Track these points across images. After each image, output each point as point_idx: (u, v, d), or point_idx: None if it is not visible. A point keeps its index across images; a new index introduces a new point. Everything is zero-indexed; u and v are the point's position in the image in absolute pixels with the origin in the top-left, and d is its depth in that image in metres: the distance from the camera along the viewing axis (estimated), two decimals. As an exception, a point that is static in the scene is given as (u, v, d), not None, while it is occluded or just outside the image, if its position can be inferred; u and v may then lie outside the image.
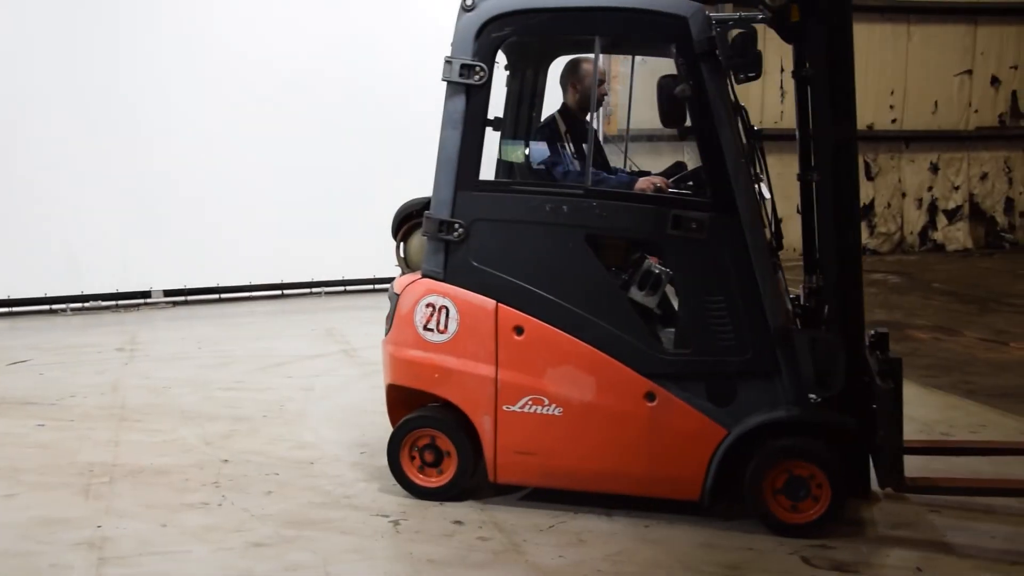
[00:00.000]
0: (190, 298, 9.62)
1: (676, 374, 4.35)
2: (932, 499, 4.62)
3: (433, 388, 4.60)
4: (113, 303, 9.38)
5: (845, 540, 4.26)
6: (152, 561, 4.07)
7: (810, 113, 4.45)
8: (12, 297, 9.06)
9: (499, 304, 4.45)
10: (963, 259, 12.91)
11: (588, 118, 4.97)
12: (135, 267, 9.31)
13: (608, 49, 5.26)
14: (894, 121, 13.03)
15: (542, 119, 5.14)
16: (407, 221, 4.95)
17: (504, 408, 4.46)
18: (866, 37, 12.31)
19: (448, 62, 4.47)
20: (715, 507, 4.43)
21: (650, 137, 7.67)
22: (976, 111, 13.28)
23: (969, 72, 13.17)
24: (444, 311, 4.51)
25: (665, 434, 4.35)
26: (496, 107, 4.82)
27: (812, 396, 4.27)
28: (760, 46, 4.20)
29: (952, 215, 13.47)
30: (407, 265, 4.98)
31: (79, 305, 9.26)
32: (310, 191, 9.60)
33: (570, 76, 5.04)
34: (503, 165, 5.06)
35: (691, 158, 4.84)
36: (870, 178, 12.97)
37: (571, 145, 4.91)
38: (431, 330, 4.54)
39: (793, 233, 4.68)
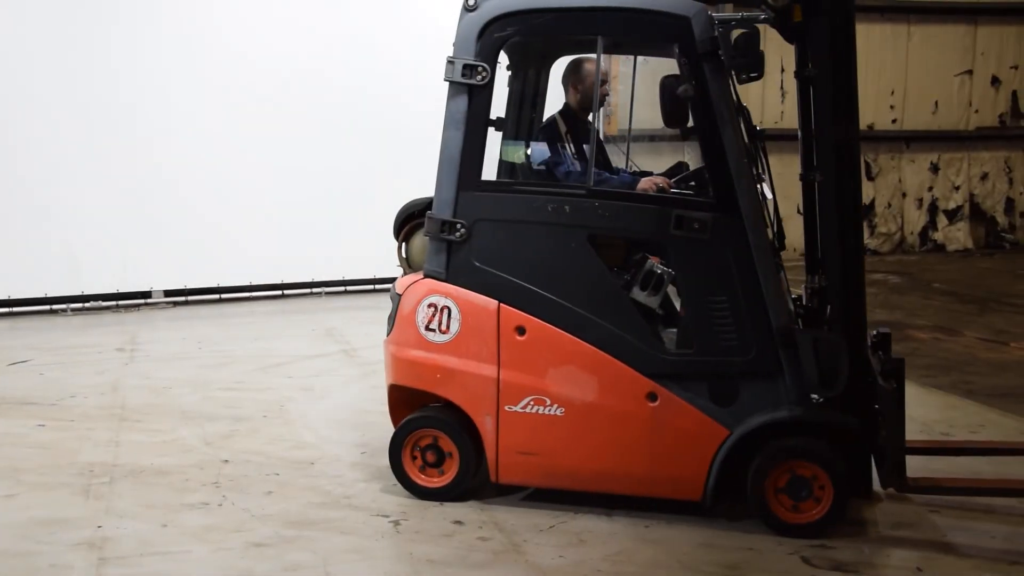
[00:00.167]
0: (190, 298, 9.61)
1: (678, 374, 4.35)
2: (933, 499, 4.62)
3: (435, 388, 4.60)
4: (113, 303, 9.38)
5: (846, 540, 4.25)
6: (152, 561, 4.06)
7: (812, 113, 4.44)
8: (12, 297, 9.05)
9: (501, 304, 4.45)
10: (963, 259, 12.92)
11: (590, 118, 4.97)
12: (135, 267, 9.30)
13: (610, 49, 5.25)
14: (894, 121, 13.03)
15: (544, 119, 5.14)
16: (409, 221, 4.95)
17: (506, 408, 4.46)
18: (866, 37, 12.26)
19: (450, 62, 4.46)
20: (716, 507, 4.42)
21: (652, 137, 7.67)
22: (976, 111, 13.29)
23: (969, 72, 13.18)
24: (446, 311, 4.51)
25: (667, 434, 4.34)
26: (498, 107, 4.82)
27: (814, 396, 4.27)
28: (761, 46, 4.20)
29: (952, 215, 13.47)
30: (409, 265, 4.98)
31: (79, 305, 9.25)
32: (310, 191, 9.59)
33: (572, 76, 5.04)
34: (505, 165, 5.06)
35: (693, 158, 4.84)
36: (870, 178, 12.97)
37: (573, 145, 4.90)
38: (433, 330, 4.53)
39: (795, 233, 4.68)
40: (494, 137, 4.71)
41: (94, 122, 9.01)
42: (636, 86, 5.37)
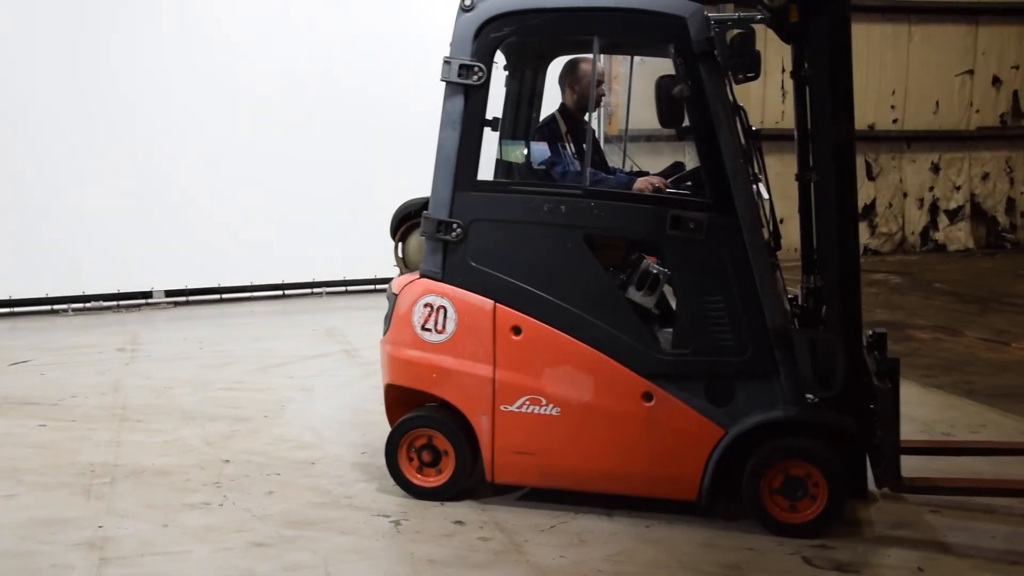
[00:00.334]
0: (191, 298, 9.64)
1: (674, 374, 4.35)
2: (931, 499, 4.62)
3: (431, 388, 4.60)
4: (114, 303, 9.40)
5: (845, 540, 4.25)
6: (153, 561, 4.07)
7: (809, 113, 4.45)
8: (13, 297, 9.08)
9: (497, 304, 4.45)
10: (964, 259, 12.91)
11: (587, 118, 4.98)
12: (136, 267, 9.32)
13: (606, 49, 5.27)
14: (895, 121, 13.03)
15: (541, 119, 5.15)
16: (405, 221, 4.96)
17: (502, 408, 4.46)
18: (866, 37, 12.34)
19: (447, 62, 4.47)
20: (715, 507, 4.43)
21: (649, 137, 7.68)
22: (977, 111, 13.28)
23: (970, 72, 13.17)
24: (442, 311, 4.51)
25: (663, 434, 4.35)
26: (495, 107, 4.83)
27: (810, 396, 4.27)
28: (760, 46, 4.20)
29: (953, 215, 13.47)
30: (405, 265, 4.99)
31: (80, 305, 9.28)
32: (310, 191, 9.61)
33: (568, 76, 5.05)
34: (502, 165, 5.06)
35: (690, 158, 4.85)
36: (871, 178, 12.97)
37: (570, 145, 4.91)
38: (429, 330, 4.54)
39: (792, 233, 4.68)
40: (490, 137, 4.71)
41: (95, 122, 9.03)
42: (634, 86, 5.38)
